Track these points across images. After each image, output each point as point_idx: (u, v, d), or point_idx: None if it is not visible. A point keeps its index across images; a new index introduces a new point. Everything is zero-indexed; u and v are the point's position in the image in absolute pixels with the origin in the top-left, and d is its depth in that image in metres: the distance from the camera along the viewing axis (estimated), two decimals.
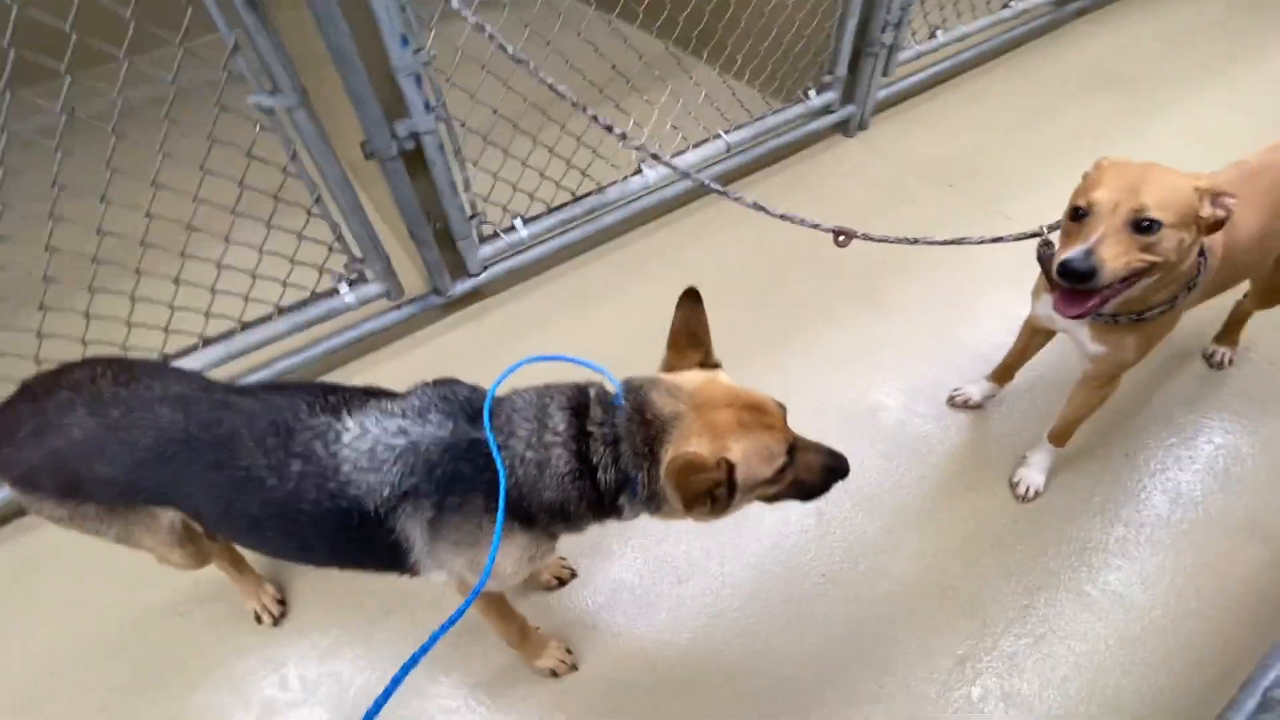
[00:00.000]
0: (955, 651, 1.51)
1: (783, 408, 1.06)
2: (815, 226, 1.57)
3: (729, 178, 2.72)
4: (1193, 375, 2.02)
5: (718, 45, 2.54)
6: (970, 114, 3.07)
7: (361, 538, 1.02)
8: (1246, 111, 2.95)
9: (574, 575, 1.66)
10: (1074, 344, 1.54)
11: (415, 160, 1.82)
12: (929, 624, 1.55)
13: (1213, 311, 1.99)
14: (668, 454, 0.96)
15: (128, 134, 1.52)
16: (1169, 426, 1.89)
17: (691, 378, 1.05)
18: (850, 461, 1.10)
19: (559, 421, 1.01)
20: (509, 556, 1.07)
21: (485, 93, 1.93)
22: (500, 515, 0.95)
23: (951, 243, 1.56)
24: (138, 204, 1.61)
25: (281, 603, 1.65)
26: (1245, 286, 1.81)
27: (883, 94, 2.93)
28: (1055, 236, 1.46)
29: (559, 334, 2.23)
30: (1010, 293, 2.23)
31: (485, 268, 2.23)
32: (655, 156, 1.60)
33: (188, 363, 1.84)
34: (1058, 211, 1.54)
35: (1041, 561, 1.64)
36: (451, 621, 0.86)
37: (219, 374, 1.83)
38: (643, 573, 1.66)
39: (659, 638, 1.56)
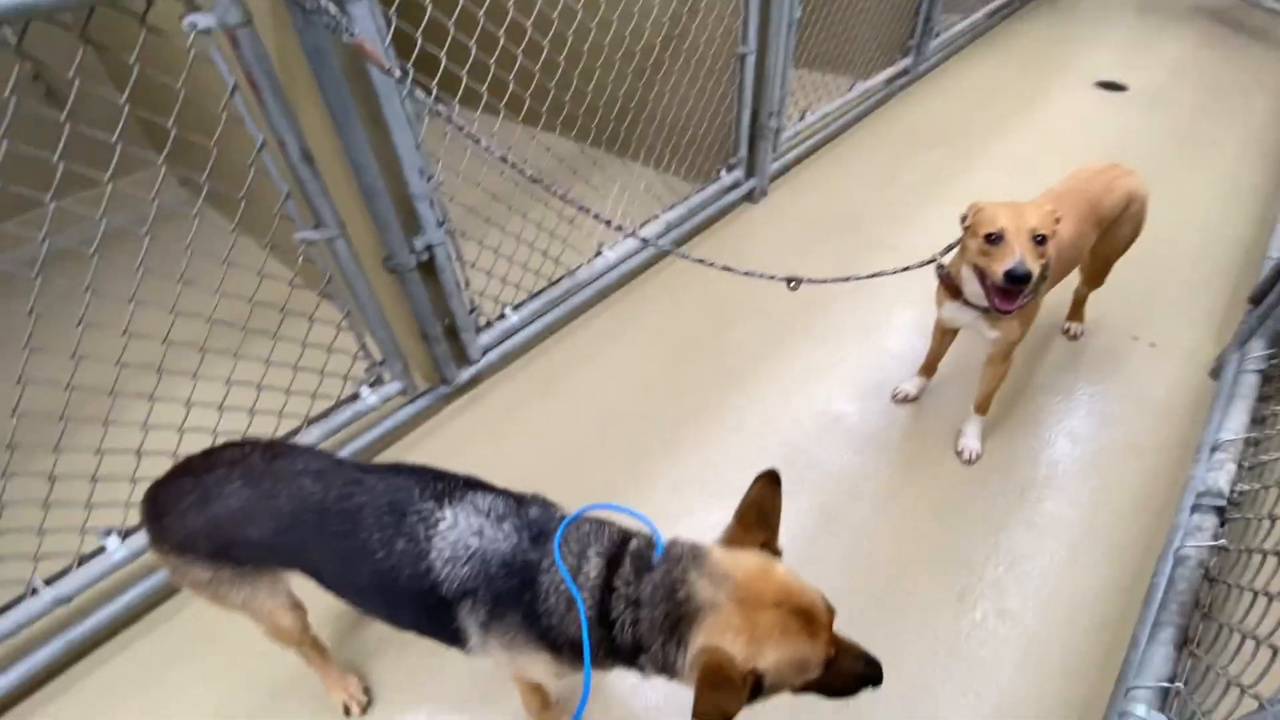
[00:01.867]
0: (954, 590, 1.86)
1: (831, 611, 1.02)
2: (772, 278, 1.99)
3: (665, 253, 3.16)
4: (1061, 348, 2.61)
5: (649, 146, 3.04)
6: (843, 173, 3.75)
7: (436, 616, 1.14)
8: (1043, 144, 3.85)
9: None
10: (976, 335, 2.04)
11: (427, 268, 2.09)
12: (928, 576, 1.91)
13: (1060, 304, 2.62)
14: (697, 641, 0.96)
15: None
16: (1054, 389, 2.44)
17: (745, 563, 1.01)
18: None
19: (592, 567, 1.06)
20: (537, 666, 1.14)
21: (465, 198, 2.25)
22: (585, 638, 1.01)
23: (874, 275, 2.03)
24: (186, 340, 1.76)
25: (366, 690, 1.73)
26: (1076, 277, 2.43)
27: (774, 166, 3.54)
28: (945, 259, 1.98)
29: (551, 403, 2.50)
30: (914, 307, 2.79)
31: (483, 354, 2.48)
32: (643, 240, 1.97)
33: None
34: (927, 241, 2.06)
35: (996, 506, 2.06)
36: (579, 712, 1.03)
37: None
38: None
39: None
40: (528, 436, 2.38)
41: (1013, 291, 1.69)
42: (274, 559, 1.25)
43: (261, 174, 1.67)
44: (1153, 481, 2.09)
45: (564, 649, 1.07)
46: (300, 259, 1.81)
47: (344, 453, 2.17)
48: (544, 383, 2.60)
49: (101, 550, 1.80)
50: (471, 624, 1.12)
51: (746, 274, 2.03)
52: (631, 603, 1.01)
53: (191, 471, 1.25)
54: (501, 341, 2.53)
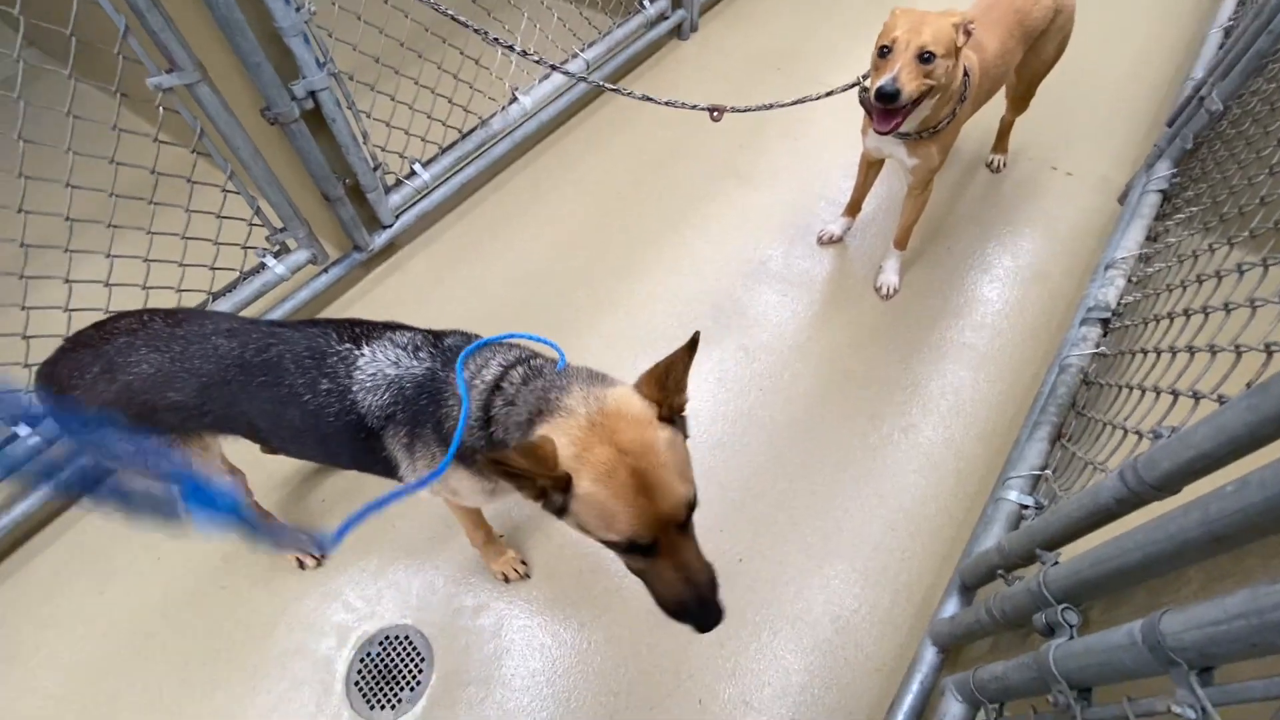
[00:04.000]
0: (866, 412, 2.01)
1: (678, 506, 0.93)
2: (694, 107, 1.89)
3: (591, 95, 2.95)
4: (982, 181, 2.63)
5: None
6: (777, 2, 3.47)
7: (367, 448, 1.18)
8: None
9: None
10: (897, 167, 2.02)
11: (315, 119, 1.90)
12: (842, 399, 2.04)
13: (986, 133, 2.60)
14: (540, 430, 0.96)
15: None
16: (972, 221, 2.49)
17: (628, 404, 0.97)
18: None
19: (489, 373, 1.10)
20: (462, 483, 1.20)
21: (361, 41, 2.01)
22: (455, 441, 1.04)
23: (798, 102, 1.95)
24: (48, 208, 1.60)
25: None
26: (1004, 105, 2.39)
27: None
28: (869, 83, 1.90)
29: (478, 267, 2.43)
30: (844, 150, 2.73)
31: (397, 217, 2.35)
32: (552, 66, 1.82)
33: None
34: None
35: (907, 335, 2.18)
36: (400, 494, 1.03)
37: None
38: None
39: None
40: (455, 300, 2.34)
41: (887, 111, 1.64)
42: (202, 421, 1.22)
43: (91, 6, 1.43)
44: (1053, 304, 2.22)
45: (477, 461, 1.09)
46: (160, 109, 1.61)
47: None
48: (468, 244, 2.50)
49: (15, 437, 1.74)
50: (398, 449, 1.16)
51: (667, 103, 1.93)
52: (510, 401, 1.06)
53: (87, 344, 1.19)
54: (415, 202, 2.39)
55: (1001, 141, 2.60)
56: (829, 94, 1.91)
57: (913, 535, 1.79)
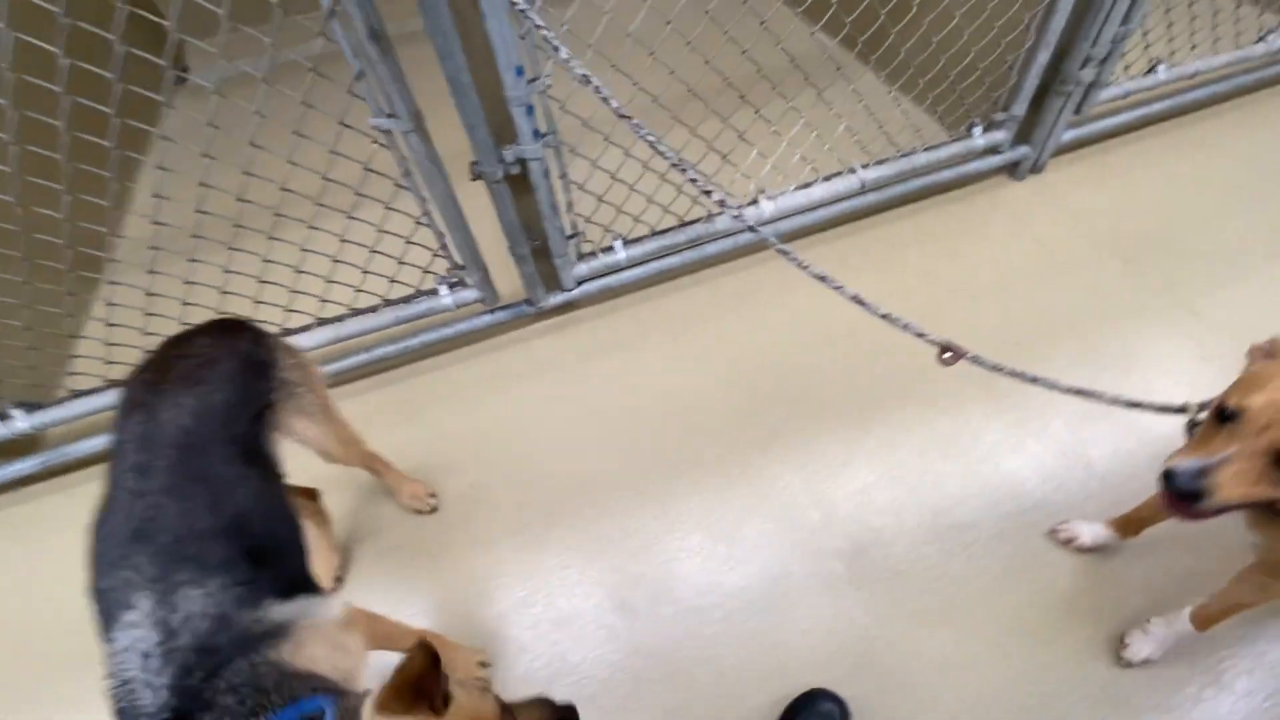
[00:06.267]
0: None
1: None
2: (920, 336, 1.38)
3: (859, 214, 2.48)
4: None
5: (889, 52, 2.27)
6: (1179, 168, 2.55)
7: None
8: None
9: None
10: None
11: (519, 182, 1.82)
12: None
13: None
14: None
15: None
16: None
17: None
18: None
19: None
20: None
21: (594, 115, 1.86)
22: None
23: (1076, 393, 1.31)
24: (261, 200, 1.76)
25: (433, 495, 1.87)
26: None
27: (1068, 136, 2.50)
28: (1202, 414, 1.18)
29: (644, 358, 2.20)
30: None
31: (579, 284, 2.22)
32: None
33: (301, 339, 2.01)
34: (1254, 317, 1.25)
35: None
36: None
37: (327, 352, 2.04)
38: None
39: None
40: (595, 385, 2.15)
41: (1178, 500, 0.97)
42: None
43: (334, 46, 1.47)
44: None
45: None
46: (375, 144, 1.64)
47: (414, 343, 2.15)
48: (633, 335, 2.28)
49: None
50: None
51: (884, 318, 1.44)
52: None
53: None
54: (602, 275, 2.23)
55: None
56: (1130, 405, 1.24)
57: None
